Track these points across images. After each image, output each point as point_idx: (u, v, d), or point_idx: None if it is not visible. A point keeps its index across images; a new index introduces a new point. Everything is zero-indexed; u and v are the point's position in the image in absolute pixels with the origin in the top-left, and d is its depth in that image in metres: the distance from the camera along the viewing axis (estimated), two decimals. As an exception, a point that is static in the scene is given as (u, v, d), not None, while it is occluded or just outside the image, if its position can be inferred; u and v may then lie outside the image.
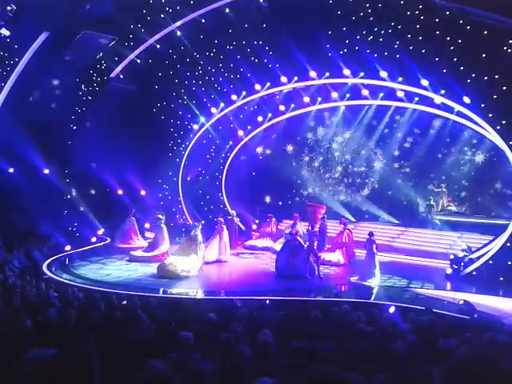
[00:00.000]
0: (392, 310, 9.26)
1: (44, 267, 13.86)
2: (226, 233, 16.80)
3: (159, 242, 16.12)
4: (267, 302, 11.11)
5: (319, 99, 20.43)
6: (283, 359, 5.22)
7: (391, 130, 20.78)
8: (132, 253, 16.12)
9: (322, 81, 19.01)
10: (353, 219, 20.69)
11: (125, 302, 9.49)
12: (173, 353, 5.37)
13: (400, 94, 17.80)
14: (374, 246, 14.13)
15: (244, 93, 20.68)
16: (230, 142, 22.11)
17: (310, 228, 15.61)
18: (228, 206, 21.71)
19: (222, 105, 21.15)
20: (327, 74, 18.74)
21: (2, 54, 18.18)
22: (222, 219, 17.34)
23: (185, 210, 21.20)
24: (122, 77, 20.40)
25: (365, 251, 14.58)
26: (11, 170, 17.63)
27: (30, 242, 15.43)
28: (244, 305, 10.24)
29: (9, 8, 17.60)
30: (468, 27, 14.16)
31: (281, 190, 22.41)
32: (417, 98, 17.50)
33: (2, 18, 17.61)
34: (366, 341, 6.16)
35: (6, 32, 17.66)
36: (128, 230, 18.10)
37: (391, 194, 20.99)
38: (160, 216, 16.97)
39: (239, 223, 19.64)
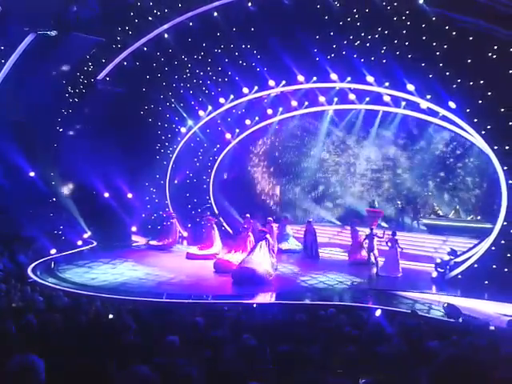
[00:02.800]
0: (378, 313, 9.29)
1: (29, 271, 13.70)
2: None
3: (213, 240, 17.84)
4: (254, 305, 11.09)
5: (306, 103, 20.51)
6: (269, 364, 5.22)
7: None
8: (189, 251, 17.72)
9: (310, 85, 19.08)
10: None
11: (111, 317, 9.37)
12: (158, 357, 5.34)
13: (387, 99, 17.94)
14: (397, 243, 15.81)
15: (232, 96, 20.66)
16: (218, 145, 22.08)
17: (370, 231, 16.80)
18: (215, 209, 21.72)
19: (209, 108, 21.11)
20: (315, 78, 18.83)
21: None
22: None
23: (172, 212, 21.04)
24: (108, 79, 20.31)
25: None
26: (-5, 174, 17.41)
27: (15, 245, 15.22)
28: (231, 309, 10.23)
29: (-4, 10, 17.46)
30: (454, 33, 14.32)
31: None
32: (404, 103, 17.64)
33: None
34: (352, 344, 6.18)
35: (-9, 33, 17.52)
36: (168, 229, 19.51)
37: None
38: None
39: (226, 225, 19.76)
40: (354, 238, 17.72)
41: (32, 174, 18.15)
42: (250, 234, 16.15)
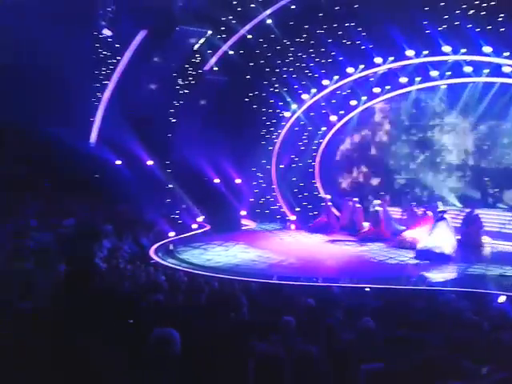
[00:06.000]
0: (502, 299, 8.72)
1: (151, 252, 14.81)
2: None
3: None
4: (367, 289, 10.95)
5: (418, 79, 19.48)
6: (387, 347, 5.15)
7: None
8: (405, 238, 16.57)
9: (420, 59, 18.12)
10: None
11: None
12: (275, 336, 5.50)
13: (507, 70, 16.46)
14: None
15: (336, 77, 20.34)
16: (323, 128, 21.90)
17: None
18: (322, 193, 21.67)
19: (313, 90, 20.98)
20: (425, 52, 17.83)
21: (105, 53, 19.52)
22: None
23: (279, 197, 21.39)
24: (214, 69, 21.06)
25: None
26: (118, 163, 18.96)
27: (138, 229, 16.49)
28: (342, 292, 10.21)
29: (109, 9, 18.83)
30: None
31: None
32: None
33: (103, 19, 18.90)
34: (472, 330, 5.89)
35: (107, 32, 18.93)
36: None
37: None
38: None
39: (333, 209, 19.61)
40: None
41: (150, 163, 19.45)
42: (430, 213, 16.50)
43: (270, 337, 5.43)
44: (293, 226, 20.78)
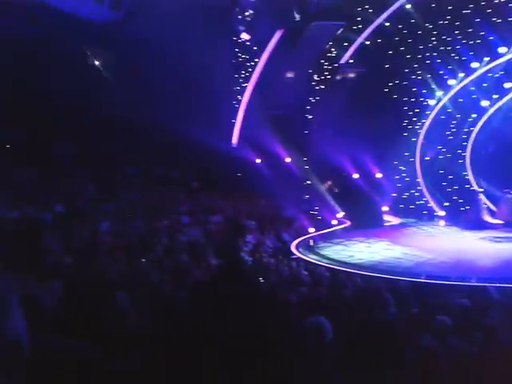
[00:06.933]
0: None
1: (292, 248, 15.00)
2: None
3: None
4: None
5: None
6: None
7: None
8: None
9: None
10: None
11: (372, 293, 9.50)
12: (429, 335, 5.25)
13: None
14: None
15: (487, 58, 18.54)
16: (473, 115, 20.12)
17: None
18: (475, 185, 19.92)
19: (461, 75, 19.39)
20: None
21: (243, 57, 20.33)
22: None
23: (425, 191, 20.18)
24: (350, 62, 20.64)
25: None
26: (258, 161, 19.59)
27: (278, 225, 16.85)
28: (500, 292, 9.30)
29: (247, 13, 19.56)
30: None
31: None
32: None
33: (242, 24, 19.69)
34: None
35: (246, 36, 19.68)
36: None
37: None
38: None
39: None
40: None
41: (288, 160, 19.76)
42: None
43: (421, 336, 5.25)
44: (442, 222, 19.48)
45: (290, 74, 20.75)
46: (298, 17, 19.32)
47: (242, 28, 19.61)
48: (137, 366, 2.52)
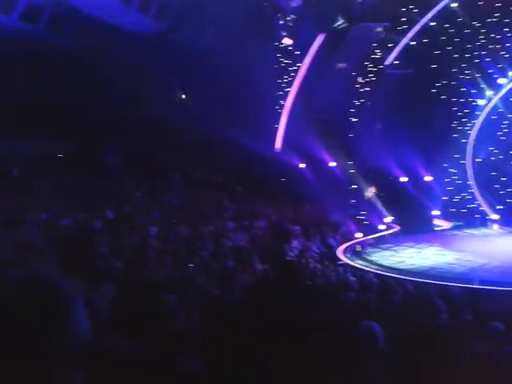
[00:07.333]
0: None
1: (338, 253, 14.76)
2: None
3: None
4: None
5: None
6: None
7: None
8: None
9: None
10: None
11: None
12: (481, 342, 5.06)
13: None
14: None
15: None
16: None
17: None
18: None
19: (511, 73, 18.67)
20: None
21: (286, 62, 20.31)
22: None
23: (477, 194, 19.45)
24: (396, 63, 20.25)
25: None
26: (302, 166, 19.45)
27: (324, 230, 16.63)
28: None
29: (289, 18, 19.57)
30: None
31: None
32: None
33: (284, 29, 19.71)
34: None
35: (288, 41, 19.68)
36: None
37: None
38: None
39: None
40: None
41: (332, 164, 19.53)
42: None
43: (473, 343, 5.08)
44: (495, 226, 18.74)
45: (333, 77, 20.55)
46: (341, 20, 19.17)
47: (284, 33, 19.63)
48: (200, 366, 2.53)
